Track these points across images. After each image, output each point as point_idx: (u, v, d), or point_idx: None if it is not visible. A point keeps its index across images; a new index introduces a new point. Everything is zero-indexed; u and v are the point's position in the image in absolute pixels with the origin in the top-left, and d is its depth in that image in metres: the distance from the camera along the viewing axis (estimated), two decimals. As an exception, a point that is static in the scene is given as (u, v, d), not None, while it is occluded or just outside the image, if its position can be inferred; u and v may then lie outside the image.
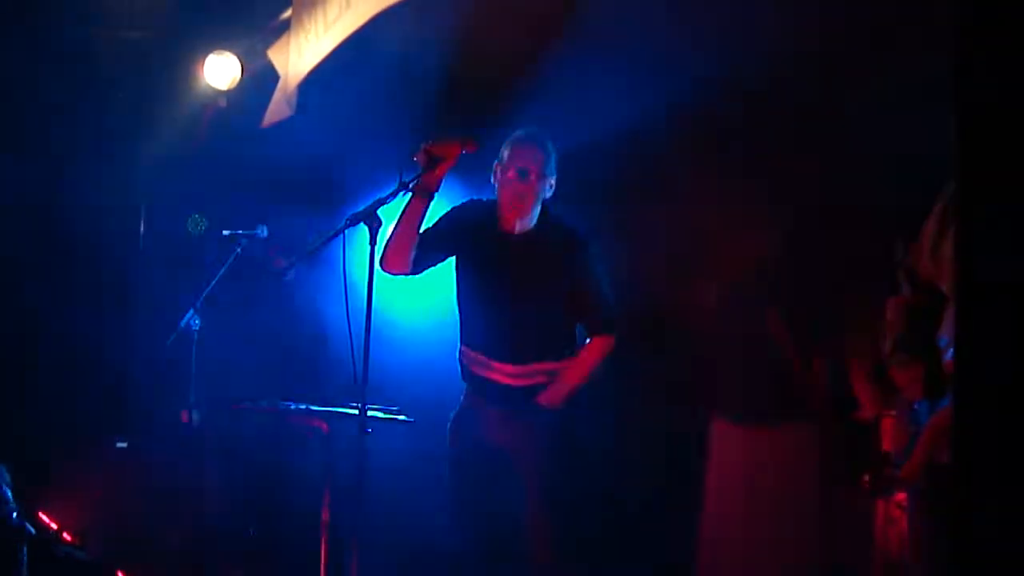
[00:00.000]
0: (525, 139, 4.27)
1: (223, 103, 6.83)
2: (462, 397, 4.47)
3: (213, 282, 5.54)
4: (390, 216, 4.10)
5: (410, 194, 4.12)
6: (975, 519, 1.62)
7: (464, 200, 4.46)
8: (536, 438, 4.28)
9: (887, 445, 4.93)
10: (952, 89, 1.67)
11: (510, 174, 4.22)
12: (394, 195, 3.98)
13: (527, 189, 4.22)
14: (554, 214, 4.36)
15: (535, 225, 4.32)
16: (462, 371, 4.45)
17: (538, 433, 4.28)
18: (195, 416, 5.42)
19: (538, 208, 4.30)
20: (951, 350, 2.76)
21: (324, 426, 4.65)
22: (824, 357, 4.92)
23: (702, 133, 5.68)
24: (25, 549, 4.81)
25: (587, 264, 4.35)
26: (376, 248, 3.94)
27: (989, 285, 1.60)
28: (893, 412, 3.18)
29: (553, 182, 4.30)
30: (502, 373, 4.30)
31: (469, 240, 4.33)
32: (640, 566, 5.46)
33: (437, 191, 4.17)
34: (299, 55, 5.90)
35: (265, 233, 5.56)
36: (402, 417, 4.44)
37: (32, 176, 6.80)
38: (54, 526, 5.27)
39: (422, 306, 5.09)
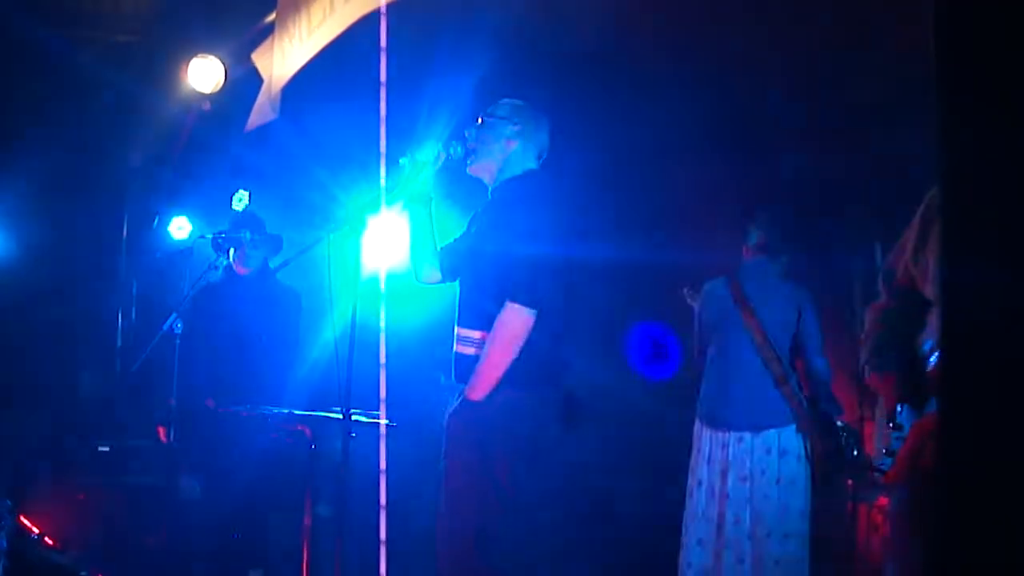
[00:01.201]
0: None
1: (207, 106, 6.82)
2: None
3: (196, 286, 5.52)
4: (375, 221, 4.09)
5: (408, 204, 4.12)
6: (959, 525, 1.62)
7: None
8: (449, 439, 3.98)
9: (870, 449, 4.95)
10: (936, 92, 1.67)
11: None
12: (381, 201, 3.97)
13: (469, 138, 4.12)
14: (514, 175, 4.11)
15: (495, 184, 4.14)
16: None
17: (450, 433, 3.98)
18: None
19: (497, 165, 4.10)
20: (936, 354, 2.76)
21: (307, 430, 4.64)
22: (805, 360, 4.94)
23: (684, 139, 5.71)
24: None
25: (495, 216, 4.00)
26: (358, 251, 3.93)
27: (972, 289, 1.61)
28: (875, 416, 3.18)
29: (517, 141, 4.09)
30: (456, 340, 4.05)
31: None
32: (624, 567, 5.48)
33: (430, 197, 4.16)
34: (283, 59, 5.89)
35: (249, 236, 5.56)
36: (385, 421, 4.41)
37: (16, 180, 6.79)
38: (36, 530, 5.24)
39: (409, 310, 5.08)
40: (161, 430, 5.56)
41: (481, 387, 3.84)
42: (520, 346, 3.80)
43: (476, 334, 3.91)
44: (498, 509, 3.83)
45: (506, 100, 4.17)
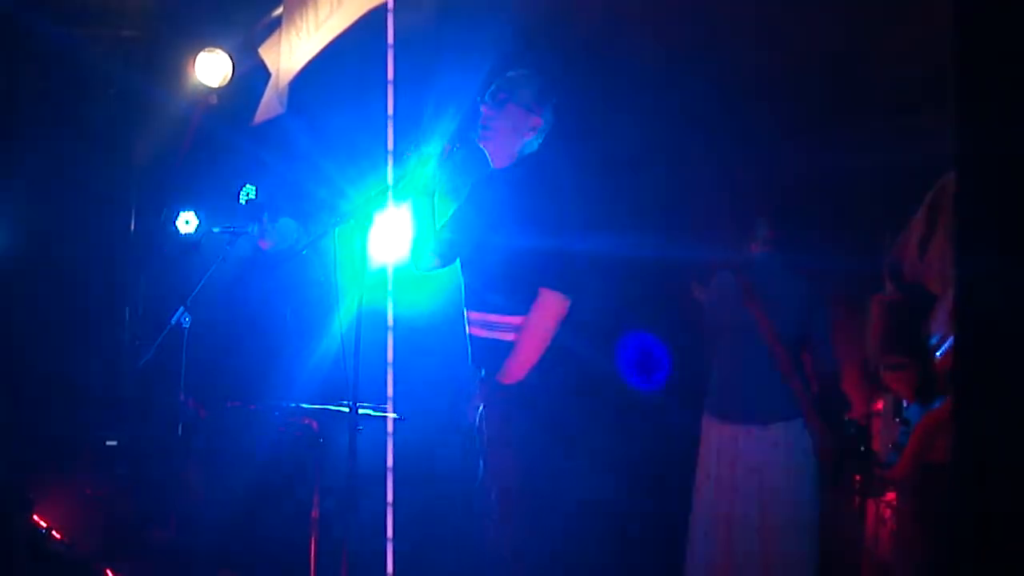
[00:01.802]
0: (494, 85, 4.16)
1: (214, 100, 6.83)
2: None
3: (203, 279, 5.53)
4: (382, 214, 4.08)
5: (412, 195, 4.11)
6: (975, 520, 1.61)
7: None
8: (489, 423, 3.99)
9: (878, 444, 4.94)
10: (952, 88, 1.66)
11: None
12: (384, 194, 3.96)
13: (489, 115, 4.08)
14: (533, 152, 4.09)
15: (511, 163, 4.09)
16: None
17: (489, 417, 3.99)
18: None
19: (518, 145, 4.07)
20: (943, 348, 2.76)
21: (314, 424, 4.64)
22: (813, 354, 4.93)
23: (691, 133, 5.69)
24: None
25: (528, 205, 3.93)
26: (364, 244, 3.93)
27: (987, 282, 1.60)
28: (882, 411, 3.17)
29: (532, 122, 4.05)
30: (474, 324, 4.03)
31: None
32: (631, 563, 5.46)
33: (433, 189, 4.15)
34: (290, 53, 5.89)
35: (256, 230, 5.57)
36: (393, 415, 4.41)
37: (24, 175, 6.80)
38: (44, 524, 5.25)
39: (415, 302, 5.08)
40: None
41: (517, 372, 3.87)
42: (556, 331, 3.83)
43: (505, 319, 3.92)
44: (531, 488, 3.86)
45: (524, 76, 4.12)
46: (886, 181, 5.13)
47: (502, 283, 3.96)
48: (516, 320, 3.90)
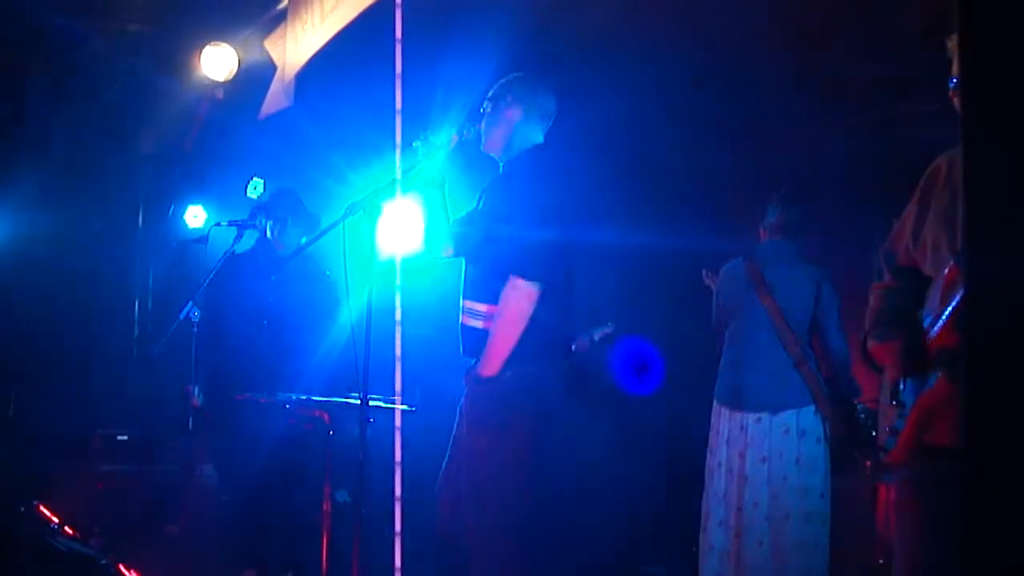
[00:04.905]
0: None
1: (220, 94, 6.83)
2: None
3: (212, 274, 5.52)
4: (391, 205, 4.09)
5: (422, 186, 4.14)
6: (986, 509, 1.61)
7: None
8: (467, 416, 4.01)
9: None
10: (960, 84, 1.66)
11: None
12: (393, 185, 3.96)
13: (481, 124, 4.15)
14: (522, 149, 4.11)
15: (507, 155, 4.14)
16: None
17: (468, 411, 4.01)
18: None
19: (504, 137, 4.12)
20: (937, 325, 2.76)
21: (326, 416, 4.64)
22: (823, 341, 4.92)
23: (694, 125, 5.70)
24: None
25: (502, 192, 3.99)
26: (374, 236, 3.94)
27: (997, 275, 1.60)
28: (879, 396, 3.16)
29: (517, 110, 4.09)
30: (465, 313, 4.07)
31: None
32: (641, 551, 5.47)
33: (443, 179, 4.18)
34: (296, 46, 5.89)
35: (264, 224, 5.56)
36: (403, 406, 4.40)
37: (29, 171, 6.81)
38: (55, 519, 5.26)
39: (425, 293, 5.08)
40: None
41: (492, 363, 3.88)
42: (527, 320, 3.83)
43: (482, 307, 3.96)
44: (518, 485, 3.84)
45: (504, 78, 4.19)
46: (895, 168, 5.14)
47: (481, 272, 4.01)
48: (491, 308, 3.92)
